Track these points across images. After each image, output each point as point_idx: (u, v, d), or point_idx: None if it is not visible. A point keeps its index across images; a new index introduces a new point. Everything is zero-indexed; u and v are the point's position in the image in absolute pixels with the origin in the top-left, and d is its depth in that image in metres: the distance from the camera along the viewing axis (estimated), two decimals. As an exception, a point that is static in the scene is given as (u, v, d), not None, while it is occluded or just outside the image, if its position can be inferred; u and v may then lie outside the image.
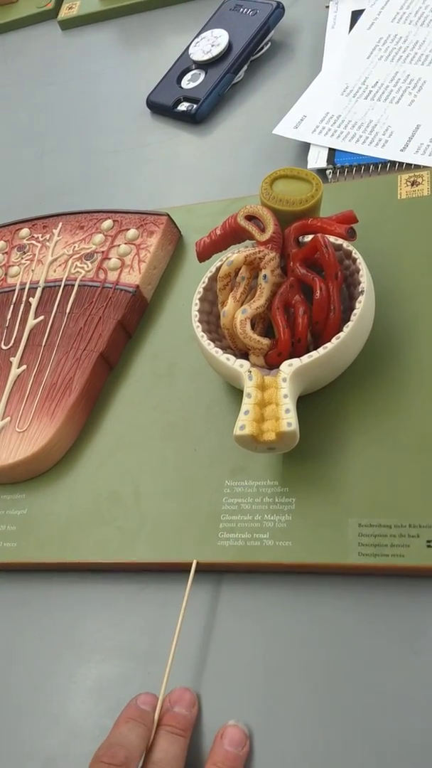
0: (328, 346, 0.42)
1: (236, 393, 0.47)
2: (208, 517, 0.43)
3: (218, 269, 0.48)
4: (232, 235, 0.47)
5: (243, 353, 0.46)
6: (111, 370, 0.52)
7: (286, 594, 0.40)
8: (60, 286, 0.54)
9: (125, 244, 0.55)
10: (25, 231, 0.59)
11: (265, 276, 0.45)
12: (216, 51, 0.68)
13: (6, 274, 0.57)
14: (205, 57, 0.69)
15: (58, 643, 0.43)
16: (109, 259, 0.55)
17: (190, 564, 0.42)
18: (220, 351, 0.44)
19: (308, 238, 0.46)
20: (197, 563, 0.42)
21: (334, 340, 0.42)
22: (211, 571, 0.42)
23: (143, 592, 0.43)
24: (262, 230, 0.46)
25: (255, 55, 0.69)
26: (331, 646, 0.38)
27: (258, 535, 0.41)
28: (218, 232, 0.48)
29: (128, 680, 0.41)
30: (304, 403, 0.43)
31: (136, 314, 0.54)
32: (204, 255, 0.49)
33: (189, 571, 0.42)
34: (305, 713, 0.37)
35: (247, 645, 0.40)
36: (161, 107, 0.69)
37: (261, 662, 0.39)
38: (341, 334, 0.42)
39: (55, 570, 0.45)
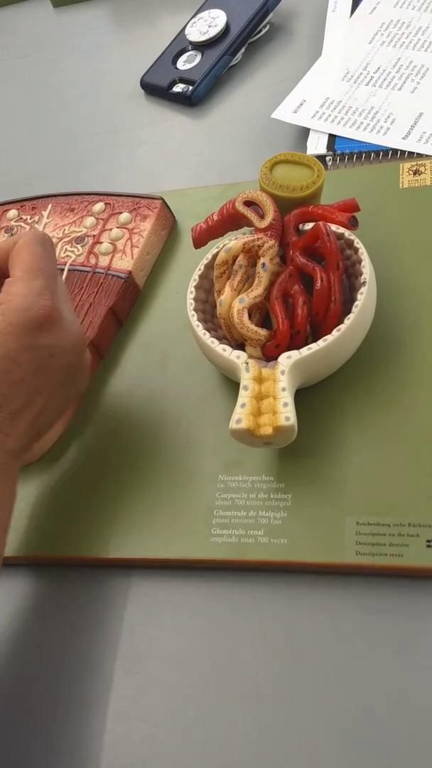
0: (329, 338, 0.40)
1: (231, 384, 0.46)
2: (201, 512, 0.42)
3: (215, 256, 0.46)
4: (230, 221, 0.46)
5: (239, 344, 0.44)
6: (101, 358, 0.51)
7: (280, 593, 0.39)
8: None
9: (117, 228, 0.53)
10: (13, 212, 0.57)
11: (263, 264, 0.43)
12: (213, 32, 0.66)
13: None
14: (202, 38, 0.67)
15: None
16: (101, 243, 0.53)
17: (181, 560, 0.41)
18: (216, 341, 0.43)
19: (308, 226, 0.45)
20: (190, 560, 0.40)
21: (335, 333, 0.40)
22: (203, 569, 0.41)
23: (131, 588, 0.42)
24: (261, 217, 0.44)
25: (253, 37, 0.67)
26: (327, 646, 0.37)
27: (252, 531, 0.40)
28: (215, 217, 0.46)
29: (114, 677, 0.39)
30: (301, 396, 0.42)
31: (128, 301, 0.52)
32: (200, 241, 0.47)
33: (180, 567, 0.41)
34: (299, 714, 0.36)
35: (240, 644, 0.39)
36: (156, 88, 0.67)
37: (254, 662, 0.38)
38: (342, 327, 0.40)
39: (44, 564, 0.44)
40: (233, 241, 0.44)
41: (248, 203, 0.45)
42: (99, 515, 0.44)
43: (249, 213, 0.44)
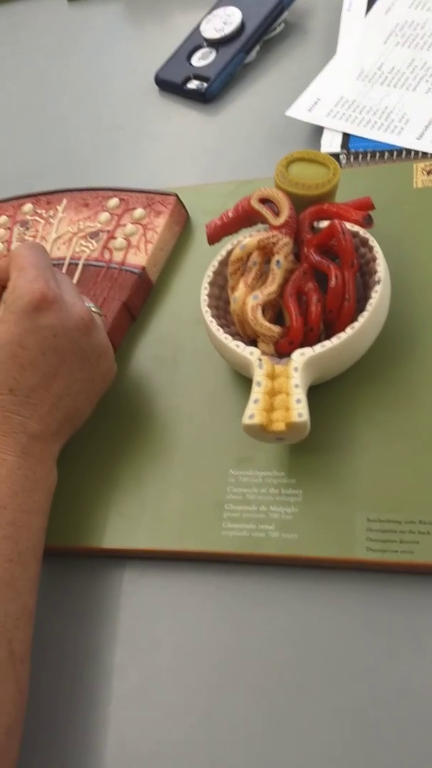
0: (342, 336, 0.41)
1: (242, 380, 0.46)
2: (211, 506, 0.42)
3: (229, 253, 0.47)
4: (245, 218, 0.46)
5: (251, 340, 0.45)
6: (114, 353, 0.51)
7: (290, 587, 0.39)
8: (64, 264, 0.53)
9: (132, 223, 0.54)
10: (28, 206, 0.57)
11: (278, 261, 0.43)
12: (228, 29, 0.67)
13: (9, 250, 0.56)
14: (217, 35, 0.67)
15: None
16: (115, 238, 0.53)
17: (193, 552, 0.41)
18: (229, 337, 0.43)
19: (323, 224, 0.45)
20: (200, 553, 0.41)
21: (349, 330, 0.41)
22: (212, 561, 0.41)
23: (141, 579, 0.42)
24: (277, 214, 0.45)
25: (268, 35, 0.67)
26: (336, 641, 0.37)
27: (263, 526, 0.40)
28: (230, 214, 0.46)
29: (124, 669, 0.40)
30: (313, 393, 0.42)
31: (141, 296, 0.52)
32: (214, 238, 0.47)
33: (191, 560, 0.41)
34: (306, 708, 0.36)
35: (249, 637, 0.39)
36: (170, 84, 0.67)
37: (262, 655, 0.38)
38: (356, 324, 0.41)
39: (53, 554, 0.44)
40: (248, 238, 0.44)
41: (263, 200, 0.45)
42: (110, 506, 0.44)
43: (264, 210, 0.45)
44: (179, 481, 0.44)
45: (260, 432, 0.39)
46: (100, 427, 0.48)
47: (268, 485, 0.42)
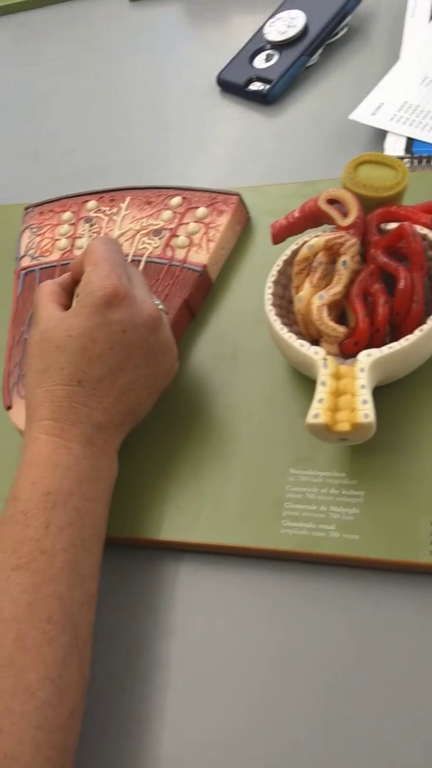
0: (410, 338, 0.40)
1: (302, 380, 0.46)
2: (270, 503, 0.42)
3: (294, 252, 0.47)
4: (311, 218, 0.46)
5: (314, 340, 0.45)
6: (173, 347, 0.51)
7: (349, 588, 0.39)
8: (127, 261, 0.53)
9: (194, 222, 0.54)
10: (92, 203, 0.58)
11: (344, 262, 0.43)
12: (292, 32, 0.67)
13: (73, 246, 0.57)
14: (281, 37, 0.67)
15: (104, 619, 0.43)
16: (177, 236, 0.54)
17: (251, 548, 0.41)
18: (293, 336, 0.43)
19: (390, 226, 0.45)
20: (259, 549, 0.41)
21: (417, 332, 0.40)
22: (269, 558, 0.41)
23: (198, 572, 0.43)
24: (344, 215, 0.45)
25: (331, 39, 0.68)
26: (394, 646, 0.37)
27: (323, 526, 0.40)
28: (296, 214, 0.47)
29: (180, 660, 0.40)
30: (376, 393, 0.42)
31: (202, 294, 0.53)
32: (279, 237, 0.48)
33: (249, 556, 0.41)
34: (362, 712, 0.36)
35: (305, 635, 0.39)
36: (232, 86, 0.68)
37: (318, 654, 0.38)
38: (425, 327, 0.41)
39: (113, 545, 0.45)
40: (315, 238, 0.44)
41: (331, 201, 0.45)
42: (168, 500, 0.45)
43: (332, 211, 0.45)
44: (238, 478, 0.44)
45: (324, 432, 0.39)
46: (160, 421, 0.48)
47: (329, 485, 0.42)
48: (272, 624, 0.40)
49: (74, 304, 0.43)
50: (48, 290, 0.45)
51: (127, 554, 0.44)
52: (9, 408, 0.50)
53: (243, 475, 0.44)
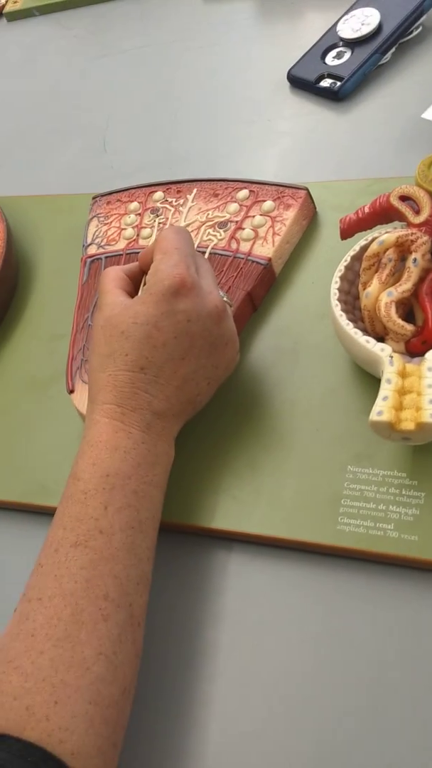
0: None
1: (364, 377, 0.46)
2: (327, 499, 0.42)
3: (362, 248, 0.46)
4: (382, 214, 0.46)
5: (378, 337, 0.44)
6: (234, 341, 0.51)
7: (406, 590, 0.39)
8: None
9: (260, 215, 0.54)
10: (159, 194, 0.59)
11: (415, 260, 0.43)
12: (366, 30, 0.66)
13: (138, 236, 0.57)
14: (354, 35, 0.67)
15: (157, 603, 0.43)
16: (243, 229, 0.54)
17: (307, 543, 0.41)
18: (359, 332, 0.43)
19: (463, 225, 0.44)
20: (315, 545, 0.41)
21: None
22: (324, 554, 0.41)
23: (251, 563, 0.43)
24: (416, 212, 0.44)
25: (405, 38, 0.67)
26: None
27: (382, 525, 0.40)
28: (366, 210, 0.46)
29: (225, 650, 0.40)
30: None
31: (265, 288, 0.53)
32: (348, 232, 0.47)
33: (303, 550, 0.41)
34: (411, 711, 0.36)
35: (356, 633, 0.39)
36: (302, 82, 0.68)
37: (369, 653, 0.38)
38: None
39: (172, 531, 0.45)
40: (386, 234, 0.44)
41: (403, 198, 0.45)
42: (224, 490, 0.45)
43: (404, 208, 0.44)
44: (295, 472, 0.44)
45: (387, 430, 0.39)
46: (219, 412, 0.48)
47: (388, 484, 0.41)
48: (322, 619, 0.40)
49: (141, 292, 0.43)
50: (113, 276, 0.46)
51: (180, 540, 0.45)
52: (72, 392, 0.51)
53: (300, 470, 0.44)
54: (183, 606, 0.42)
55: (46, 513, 0.48)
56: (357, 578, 0.40)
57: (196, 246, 0.54)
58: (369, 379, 0.45)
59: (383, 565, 0.40)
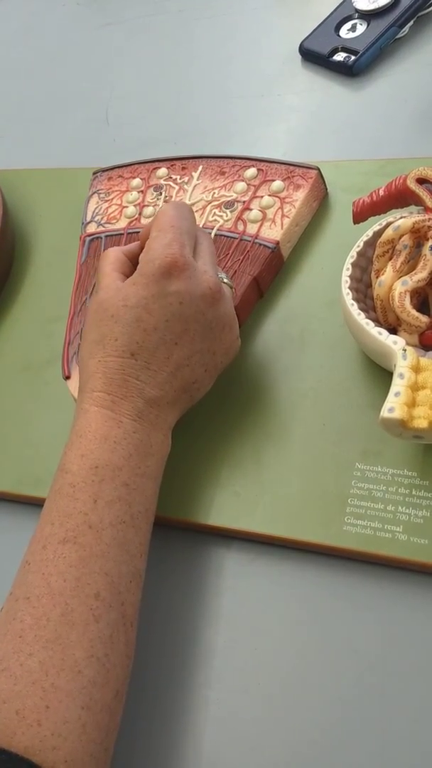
0: None
1: (374, 369, 0.44)
2: (333, 498, 0.40)
3: (376, 234, 0.44)
4: (397, 197, 0.43)
5: (391, 328, 0.42)
6: (240, 327, 0.49)
7: (413, 593, 0.37)
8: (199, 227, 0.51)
9: (269, 196, 0.52)
10: (162, 171, 0.56)
11: (431, 247, 0.40)
12: (383, 1, 0.63)
13: (140, 214, 0.55)
14: (371, 6, 0.63)
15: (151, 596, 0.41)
16: (250, 210, 0.51)
17: (311, 543, 0.39)
18: (371, 323, 0.41)
19: None
20: (320, 545, 0.39)
21: None
22: (330, 555, 0.39)
23: (253, 562, 0.41)
24: (435, 197, 0.42)
25: (423, 10, 0.64)
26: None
27: (390, 526, 0.38)
28: (381, 192, 0.44)
29: (222, 653, 0.38)
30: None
31: (272, 272, 0.50)
32: (361, 216, 0.45)
33: (309, 551, 0.40)
34: (417, 719, 0.34)
35: (361, 637, 0.37)
36: (315, 55, 0.65)
37: (373, 658, 0.36)
38: None
39: (167, 526, 0.43)
40: (402, 219, 0.41)
41: (421, 181, 0.42)
42: (226, 485, 0.43)
43: (421, 191, 0.42)
44: (300, 468, 0.42)
45: (398, 428, 0.37)
46: (221, 402, 0.46)
47: (398, 484, 0.39)
48: (325, 622, 0.38)
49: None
50: (112, 258, 0.44)
51: (178, 536, 0.43)
52: (68, 378, 0.49)
53: (306, 466, 0.42)
54: (178, 605, 0.41)
55: (39, 504, 0.46)
56: (363, 581, 0.38)
57: (201, 226, 0.52)
58: (379, 372, 0.43)
59: (389, 568, 0.38)
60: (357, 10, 0.65)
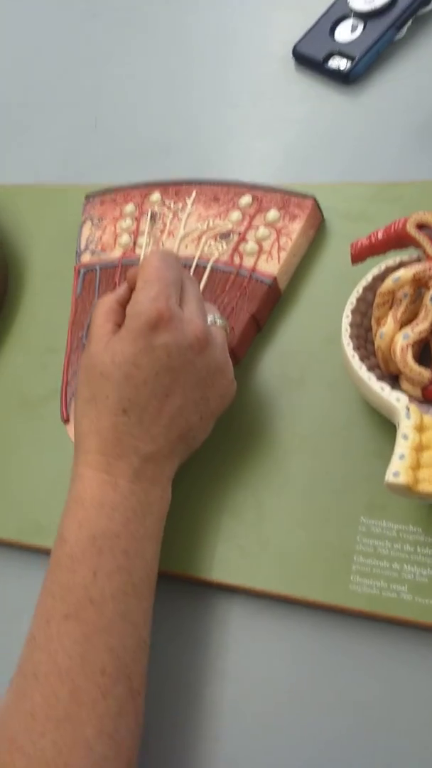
0: None
1: (376, 414, 0.43)
2: (339, 554, 0.40)
3: (375, 278, 0.43)
4: (396, 241, 0.42)
5: (393, 376, 0.42)
6: (236, 364, 0.48)
7: (418, 653, 0.38)
8: (191, 266, 0.50)
9: (264, 226, 0.50)
10: (156, 196, 0.55)
11: (433, 298, 0.40)
12: (380, 1, 0.60)
13: (134, 243, 0.53)
14: (367, 6, 0.61)
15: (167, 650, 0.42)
16: (246, 242, 0.50)
17: (317, 603, 0.39)
18: (372, 377, 0.40)
19: None
20: (328, 605, 0.39)
21: None
22: (336, 613, 0.40)
23: (257, 617, 0.41)
24: (436, 244, 0.41)
25: (422, 10, 0.61)
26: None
27: (395, 586, 0.38)
28: (380, 235, 0.43)
29: (227, 710, 0.39)
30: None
31: (270, 306, 0.50)
32: (359, 258, 0.44)
33: (314, 607, 0.40)
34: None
35: (367, 697, 0.38)
36: (309, 60, 0.62)
37: (383, 719, 0.37)
38: None
39: (171, 580, 0.43)
40: (402, 270, 0.40)
41: (420, 226, 0.41)
42: (227, 537, 0.43)
43: (422, 238, 0.41)
44: (303, 521, 0.42)
45: (405, 491, 0.37)
46: (220, 449, 0.46)
47: (403, 541, 0.39)
48: (331, 682, 0.39)
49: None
50: (105, 308, 0.43)
51: (180, 589, 0.43)
52: (67, 422, 0.48)
53: (309, 518, 0.42)
54: (180, 661, 0.41)
55: (41, 552, 0.46)
56: (368, 639, 0.39)
57: (196, 258, 0.51)
58: (383, 417, 0.43)
59: (397, 626, 0.38)
60: (353, 10, 0.62)
